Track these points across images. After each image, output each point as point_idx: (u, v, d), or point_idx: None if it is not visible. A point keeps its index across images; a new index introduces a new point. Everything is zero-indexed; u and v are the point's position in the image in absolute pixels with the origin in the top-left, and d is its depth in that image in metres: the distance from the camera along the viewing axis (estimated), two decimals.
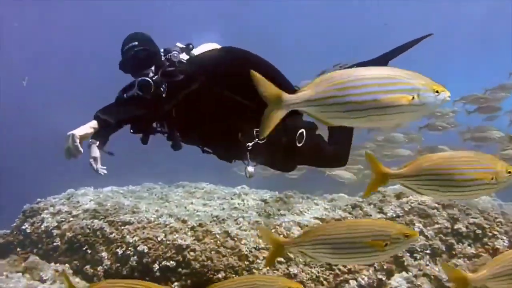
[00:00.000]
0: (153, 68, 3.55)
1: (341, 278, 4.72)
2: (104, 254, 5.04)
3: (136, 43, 3.54)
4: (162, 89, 3.43)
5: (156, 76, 3.48)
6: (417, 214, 5.21)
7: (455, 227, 5.00)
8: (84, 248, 5.10)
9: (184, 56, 3.64)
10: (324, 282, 4.71)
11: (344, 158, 4.25)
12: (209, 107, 3.60)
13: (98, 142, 3.55)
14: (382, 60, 4.42)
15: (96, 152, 3.48)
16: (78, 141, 3.14)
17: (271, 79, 3.55)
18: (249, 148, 3.67)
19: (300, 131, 3.84)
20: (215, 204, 6.33)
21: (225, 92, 3.55)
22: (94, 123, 3.33)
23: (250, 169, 3.73)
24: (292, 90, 3.60)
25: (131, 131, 3.72)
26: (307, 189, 7.19)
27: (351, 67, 4.49)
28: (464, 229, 4.95)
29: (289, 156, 3.97)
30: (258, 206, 6.24)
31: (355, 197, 6.24)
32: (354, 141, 4.23)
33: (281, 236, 5.11)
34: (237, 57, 3.67)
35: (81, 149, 3.15)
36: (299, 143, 3.84)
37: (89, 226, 5.24)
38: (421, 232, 4.97)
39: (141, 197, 6.42)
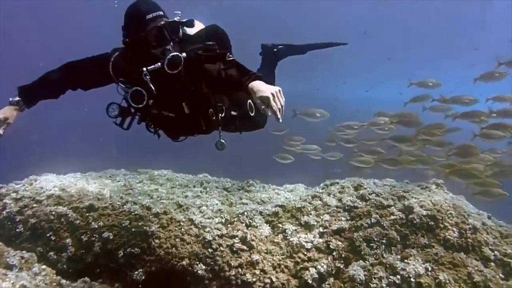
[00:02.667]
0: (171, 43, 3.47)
1: (301, 265, 4.90)
2: (68, 240, 5.06)
3: (162, 13, 3.43)
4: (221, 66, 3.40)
5: (183, 53, 3.43)
6: (374, 206, 5.42)
7: (409, 218, 5.23)
8: (48, 235, 5.09)
9: None
10: (285, 270, 4.88)
11: None
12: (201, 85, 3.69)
13: (24, 106, 3.45)
14: (305, 48, 4.97)
15: (12, 114, 3.34)
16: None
17: None
18: (221, 122, 3.82)
19: (249, 101, 4.10)
20: (178, 192, 6.41)
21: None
22: None
23: (223, 141, 3.90)
24: None
25: (111, 115, 3.69)
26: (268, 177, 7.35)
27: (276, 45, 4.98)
28: (417, 220, 5.17)
29: (246, 124, 4.29)
30: (220, 194, 6.36)
31: (314, 187, 6.42)
32: None
33: (244, 224, 5.26)
34: (220, 37, 3.82)
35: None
36: (251, 112, 4.14)
37: (53, 213, 5.23)
38: (378, 223, 5.19)
39: (105, 183, 6.43)
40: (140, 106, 3.53)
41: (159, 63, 3.37)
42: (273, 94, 2.84)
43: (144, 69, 3.38)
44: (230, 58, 3.43)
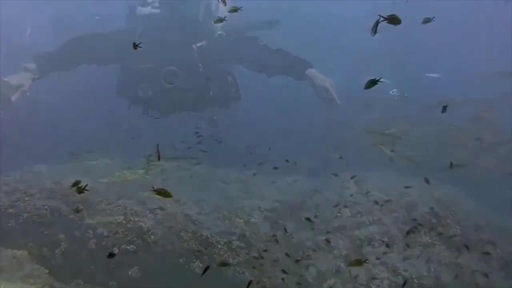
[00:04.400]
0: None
1: (301, 263, 4.79)
2: (61, 236, 4.92)
3: None
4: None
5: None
6: (376, 202, 5.31)
7: (412, 216, 5.13)
8: (40, 230, 4.93)
9: None
10: (285, 268, 4.78)
11: None
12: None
13: (38, 75, 3.20)
14: None
15: (28, 81, 3.07)
16: None
17: None
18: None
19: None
20: (174, 184, 6.25)
21: None
22: None
23: (215, 118, 3.96)
24: None
25: None
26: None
27: None
28: (420, 218, 5.08)
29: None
30: (218, 187, 6.22)
31: (315, 181, 6.31)
32: None
33: (242, 221, 5.13)
34: None
35: None
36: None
37: (46, 207, 5.07)
38: (380, 220, 5.08)
39: (99, 175, 6.28)
40: (171, 85, 3.52)
41: (204, 41, 3.42)
42: (330, 84, 3.43)
43: (194, 46, 3.39)
44: (263, 43, 3.59)
